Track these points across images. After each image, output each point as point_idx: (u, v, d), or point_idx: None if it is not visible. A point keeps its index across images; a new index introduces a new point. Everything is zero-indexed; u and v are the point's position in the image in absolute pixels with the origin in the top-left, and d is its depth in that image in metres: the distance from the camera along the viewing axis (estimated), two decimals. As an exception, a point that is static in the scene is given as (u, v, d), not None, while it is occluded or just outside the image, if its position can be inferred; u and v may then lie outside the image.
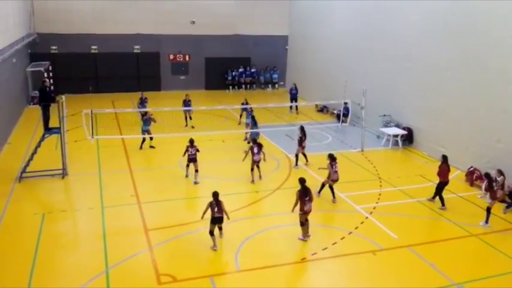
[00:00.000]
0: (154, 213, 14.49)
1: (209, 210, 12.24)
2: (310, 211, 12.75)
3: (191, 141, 16.91)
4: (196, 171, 16.77)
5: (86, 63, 32.86)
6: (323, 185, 15.56)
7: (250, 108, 22.82)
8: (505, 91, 16.69)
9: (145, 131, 20.27)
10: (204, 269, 11.42)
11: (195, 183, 16.66)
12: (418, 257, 12.16)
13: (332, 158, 15.33)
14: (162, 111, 23.19)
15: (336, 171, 15.27)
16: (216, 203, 12.20)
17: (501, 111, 16.81)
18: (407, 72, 21.88)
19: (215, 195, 12.30)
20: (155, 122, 20.72)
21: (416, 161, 20.13)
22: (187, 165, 17.07)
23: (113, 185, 16.64)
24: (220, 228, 12.66)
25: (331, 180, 15.30)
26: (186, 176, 17.16)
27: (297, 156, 18.83)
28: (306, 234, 12.88)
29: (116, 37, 32.88)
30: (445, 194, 16.26)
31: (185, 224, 13.78)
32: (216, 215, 12.21)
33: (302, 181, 12.83)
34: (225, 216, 12.39)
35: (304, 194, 12.62)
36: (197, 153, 16.83)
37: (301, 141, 18.63)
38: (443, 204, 15.01)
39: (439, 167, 15.25)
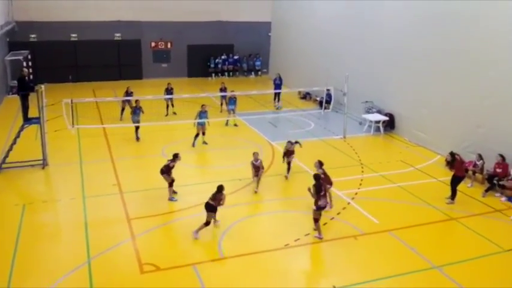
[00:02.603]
0: (137, 202, 14.42)
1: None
2: (325, 206, 12.42)
3: (175, 155, 14.51)
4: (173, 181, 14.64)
5: (66, 51, 32.38)
6: None
7: (232, 91, 23.16)
8: (484, 77, 16.86)
9: (136, 121, 20.03)
10: (187, 257, 11.43)
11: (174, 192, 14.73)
12: (398, 241, 12.32)
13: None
14: (144, 100, 22.98)
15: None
16: (215, 194, 12.39)
17: (481, 96, 17.00)
18: (389, 59, 21.98)
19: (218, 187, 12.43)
20: (143, 112, 20.38)
21: (397, 146, 20.32)
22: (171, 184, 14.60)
23: (95, 175, 16.51)
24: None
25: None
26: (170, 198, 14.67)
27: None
28: (320, 231, 12.32)
29: (96, 24, 32.42)
30: (424, 178, 16.57)
31: (168, 213, 13.79)
32: (209, 201, 12.43)
33: (317, 177, 12.41)
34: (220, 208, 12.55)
35: (319, 189, 12.15)
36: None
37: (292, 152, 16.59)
38: (453, 198, 14.58)
39: (452, 165, 14.73)
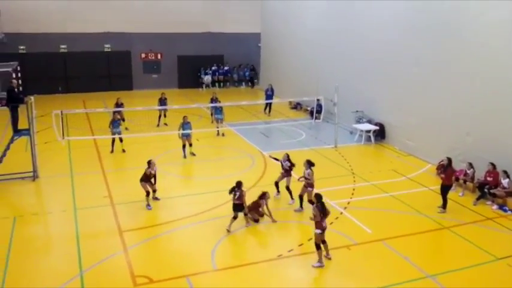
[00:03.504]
0: (129, 214, 14.32)
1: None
2: (325, 228, 11.67)
3: (150, 163, 14.83)
4: (154, 191, 14.98)
5: (55, 62, 32.33)
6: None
7: (219, 101, 23.93)
8: (472, 86, 17.03)
9: (116, 133, 19.93)
10: (180, 269, 11.34)
11: (155, 199, 15.02)
12: (392, 250, 12.33)
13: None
14: (135, 111, 23.03)
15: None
16: (236, 191, 13.12)
17: (469, 105, 17.17)
18: (379, 69, 22.15)
19: (237, 183, 13.19)
20: (123, 120, 20.31)
21: (388, 155, 20.42)
22: (148, 193, 14.73)
23: (86, 187, 16.38)
24: (245, 214, 13.47)
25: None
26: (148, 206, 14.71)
27: (288, 188, 15.23)
28: (321, 259, 11.56)
29: (85, 36, 32.40)
30: (415, 187, 16.66)
31: (160, 224, 13.69)
32: (235, 201, 13.11)
33: (319, 197, 11.82)
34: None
35: (323, 210, 11.52)
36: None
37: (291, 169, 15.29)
38: (444, 207, 14.64)
39: (445, 170, 14.77)
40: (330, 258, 11.79)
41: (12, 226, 13.33)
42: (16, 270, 11.20)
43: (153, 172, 14.71)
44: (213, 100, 24.46)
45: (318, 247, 11.55)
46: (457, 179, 16.11)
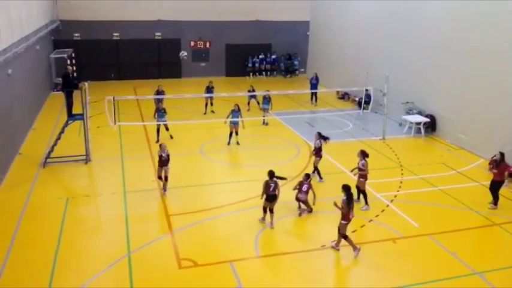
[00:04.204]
0: (176, 198, 14.65)
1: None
2: (351, 219, 11.79)
3: (160, 146, 15.12)
4: (166, 179, 14.82)
5: (108, 50, 33.12)
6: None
7: (267, 90, 23.69)
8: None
9: (161, 122, 20.02)
10: (224, 254, 11.53)
11: (164, 190, 14.89)
12: (438, 245, 12.06)
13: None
14: (183, 98, 23.39)
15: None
16: (270, 182, 12.83)
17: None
18: (431, 59, 21.51)
19: (270, 174, 12.89)
20: (166, 113, 20.40)
21: (439, 149, 19.87)
22: (160, 177, 14.96)
23: (135, 171, 16.86)
24: (271, 211, 12.97)
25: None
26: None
27: (317, 168, 16.17)
28: (354, 245, 11.62)
29: (137, 24, 33.02)
30: (466, 182, 16.16)
31: (206, 209, 13.91)
32: (270, 193, 12.82)
33: (347, 189, 11.75)
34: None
35: (349, 202, 11.61)
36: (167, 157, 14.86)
37: (320, 150, 16.12)
38: (495, 203, 14.18)
39: (498, 166, 14.21)
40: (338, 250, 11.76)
41: (65, 206, 13.92)
42: (67, 249, 11.69)
43: (163, 155, 14.74)
44: (250, 91, 24.43)
45: (344, 237, 11.60)
46: (510, 175, 15.49)
